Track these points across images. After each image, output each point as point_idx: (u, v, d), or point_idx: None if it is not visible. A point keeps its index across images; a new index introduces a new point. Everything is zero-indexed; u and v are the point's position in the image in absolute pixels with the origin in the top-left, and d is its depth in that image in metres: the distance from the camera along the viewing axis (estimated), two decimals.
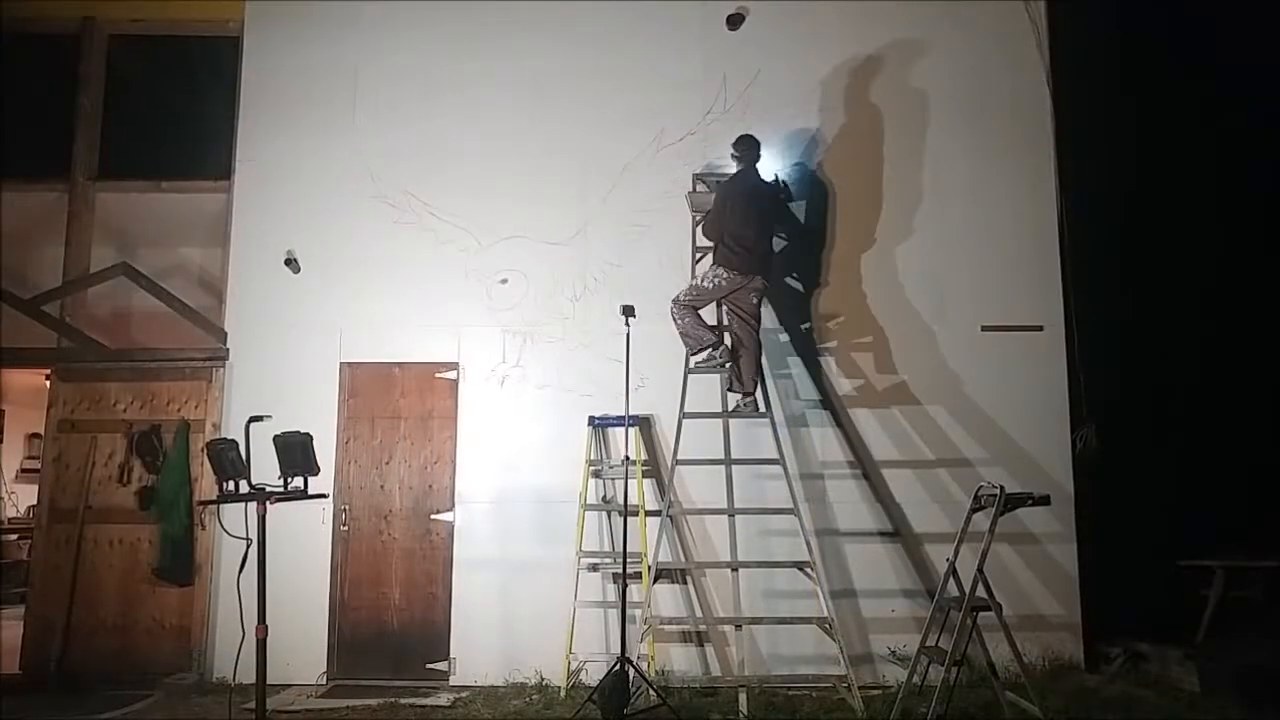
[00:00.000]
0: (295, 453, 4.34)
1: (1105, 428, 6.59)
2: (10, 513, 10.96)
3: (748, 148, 6.34)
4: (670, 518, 6.39)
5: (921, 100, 6.97)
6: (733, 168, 6.44)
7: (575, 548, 6.29)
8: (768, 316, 6.64)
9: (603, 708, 5.21)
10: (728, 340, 6.35)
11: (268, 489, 4.24)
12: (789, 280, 6.83)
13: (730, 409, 6.29)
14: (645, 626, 6.05)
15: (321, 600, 6.54)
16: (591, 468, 6.54)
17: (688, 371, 6.31)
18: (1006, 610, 6.36)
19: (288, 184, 7.00)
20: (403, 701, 5.94)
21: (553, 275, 6.85)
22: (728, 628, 6.25)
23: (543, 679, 6.21)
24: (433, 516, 6.68)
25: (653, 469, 6.58)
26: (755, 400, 6.23)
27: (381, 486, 6.75)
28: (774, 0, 7.04)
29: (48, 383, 7.00)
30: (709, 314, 6.43)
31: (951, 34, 7.00)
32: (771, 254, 6.44)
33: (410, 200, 6.93)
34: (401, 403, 6.81)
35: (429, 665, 6.46)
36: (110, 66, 7.40)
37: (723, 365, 6.25)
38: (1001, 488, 4.89)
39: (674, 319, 6.26)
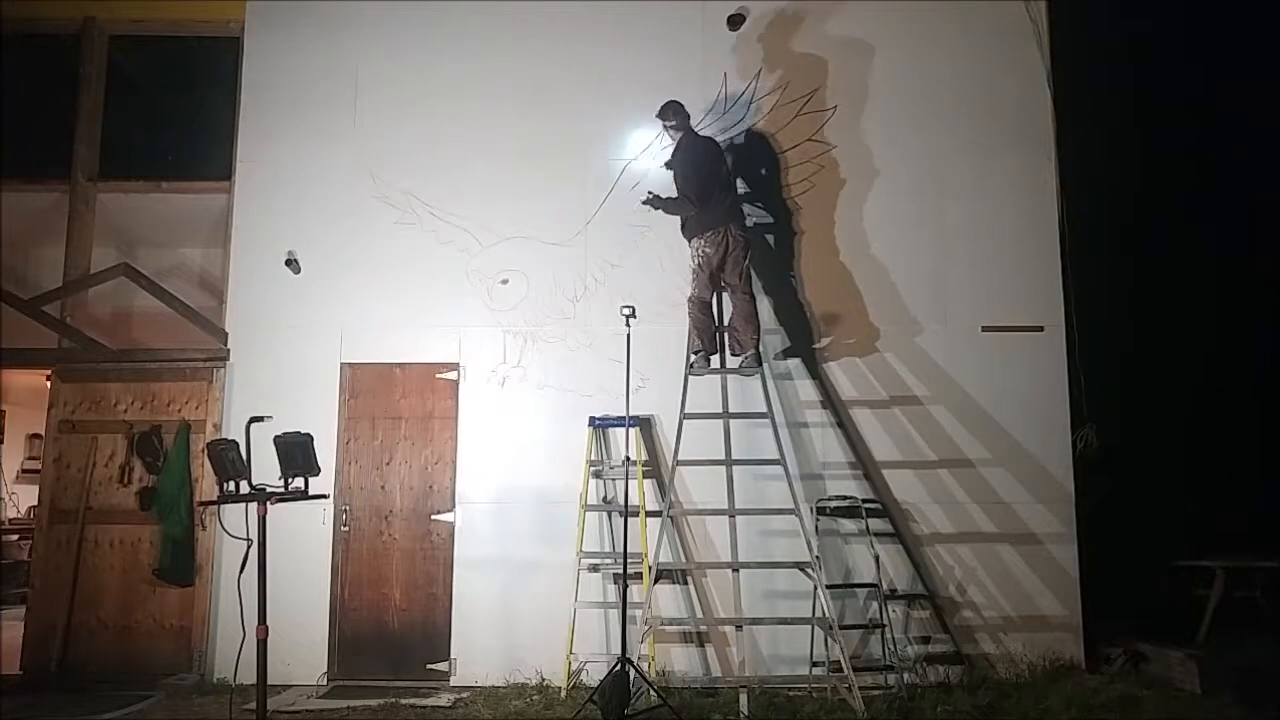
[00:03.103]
0: (296, 453, 4.35)
1: (1105, 428, 6.59)
2: (11, 513, 10.96)
3: (679, 113, 6.46)
4: (671, 518, 6.39)
5: (923, 100, 6.97)
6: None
7: (576, 548, 6.29)
8: (768, 318, 6.65)
9: (603, 708, 5.20)
10: (728, 313, 6.37)
11: (268, 489, 4.24)
12: (790, 279, 6.84)
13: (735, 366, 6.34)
14: (646, 627, 6.04)
15: (322, 600, 6.53)
16: (592, 468, 6.54)
17: (688, 372, 6.31)
18: (1007, 610, 6.46)
19: (288, 184, 6.99)
20: (403, 702, 5.94)
21: (553, 275, 6.85)
22: (728, 628, 6.25)
23: (543, 679, 6.21)
24: (433, 517, 6.68)
25: (653, 469, 6.58)
26: (756, 356, 6.26)
27: (382, 487, 6.75)
28: (774, 0, 7.06)
29: (48, 383, 6.99)
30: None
31: (951, 34, 7.00)
32: (739, 202, 6.53)
33: (410, 200, 6.93)
34: (402, 403, 6.81)
35: (429, 666, 6.46)
36: (110, 66, 7.39)
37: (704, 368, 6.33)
38: None
39: (689, 313, 6.34)
